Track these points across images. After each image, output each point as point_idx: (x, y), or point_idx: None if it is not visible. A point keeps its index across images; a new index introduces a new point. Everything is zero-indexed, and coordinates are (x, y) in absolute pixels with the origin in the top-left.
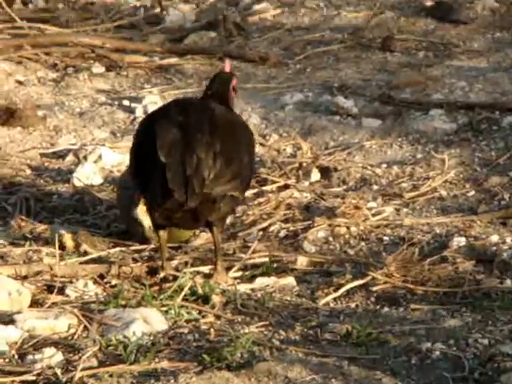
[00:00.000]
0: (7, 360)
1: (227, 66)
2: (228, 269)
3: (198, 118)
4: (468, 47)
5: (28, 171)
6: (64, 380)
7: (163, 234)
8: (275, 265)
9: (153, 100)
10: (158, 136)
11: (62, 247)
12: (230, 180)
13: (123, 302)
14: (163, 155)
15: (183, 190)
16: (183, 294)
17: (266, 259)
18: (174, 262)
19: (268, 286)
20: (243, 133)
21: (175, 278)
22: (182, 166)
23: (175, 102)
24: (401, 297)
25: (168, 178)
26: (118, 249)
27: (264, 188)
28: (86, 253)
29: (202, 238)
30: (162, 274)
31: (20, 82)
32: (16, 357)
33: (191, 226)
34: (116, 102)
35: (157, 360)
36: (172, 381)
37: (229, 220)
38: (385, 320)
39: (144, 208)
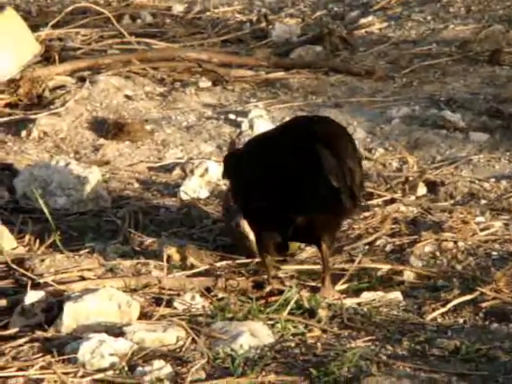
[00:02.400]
0: (117, 372)
1: None
2: (333, 282)
3: (334, 137)
4: None
5: (136, 185)
6: None
7: (271, 248)
8: (382, 279)
9: (258, 114)
10: (324, 165)
11: (170, 260)
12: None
13: (230, 315)
14: (335, 181)
15: (351, 200)
16: (289, 307)
17: (373, 273)
18: (280, 276)
19: (374, 300)
20: (352, 145)
21: (281, 292)
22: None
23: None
24: (510, 313)
25: (344, 200)
26: (224, 262)
27: (370, 202)
28: (192, 266)
29: (308, 252)
30: (268, 289)
31: (128, 97)
32: (126, 368)
33: (304, 240)
34: (222, 116)
35: (264, 373)
36: None
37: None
38: (494, 336)
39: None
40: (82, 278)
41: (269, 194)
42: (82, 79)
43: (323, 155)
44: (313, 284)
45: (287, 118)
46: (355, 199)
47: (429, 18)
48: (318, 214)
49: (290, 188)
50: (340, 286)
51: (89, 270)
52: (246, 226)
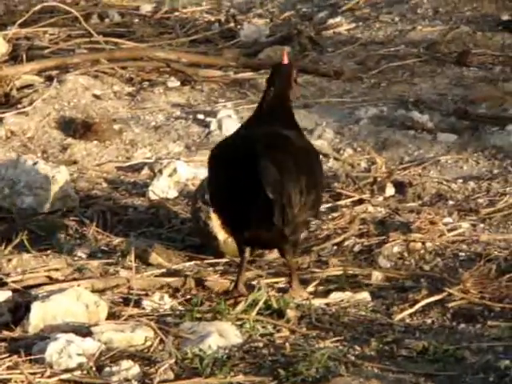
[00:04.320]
0: (85, 372)
1: (285, 57)
2: (303, 283)
3: (284, 154)
4: None
5: (104, 184)
6: None
7: (247, 252)
8: (350, 280)
9: (227, 114)
10: (263, 177)
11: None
12: (310, 208)
13: (198, 316)
14: (271, 192)
15: (281, 218)
16: (258, 308)
17: (341, 274)
18: (248, 276)
19: (343, 300)
20: (315, 158)
21: (250, 292)
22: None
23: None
24: (477, 313)
25: (275, 211)
26: (193, 262)
27: (338, 203)
28: (161, 265)
29: (276, 252)
30: (234, 293)
31: (97, 96)
32: (93, 369)
33: (273, 246)
34: (191, 116)
35: (232, 374)
36: None
37: (302, 235)
38: (462, 336)
39: (219, 222)
40: (50, 278)
41: (222, 203)
42: (50, 78)
43: (264, 167)
44: (281, 285)
45: None
46: (286, 218)
47: (397, 19)
48: (257, 228)
49: (236, 200)
50: (310, 289)
51: (56, 269)
52: (214, 225)
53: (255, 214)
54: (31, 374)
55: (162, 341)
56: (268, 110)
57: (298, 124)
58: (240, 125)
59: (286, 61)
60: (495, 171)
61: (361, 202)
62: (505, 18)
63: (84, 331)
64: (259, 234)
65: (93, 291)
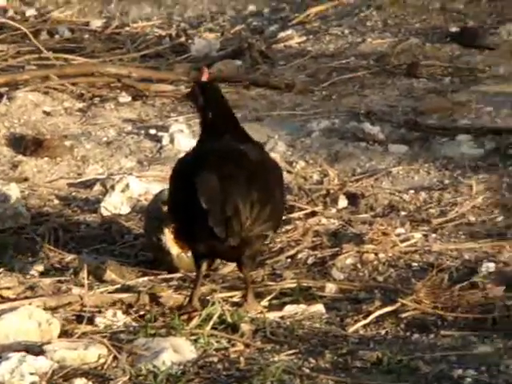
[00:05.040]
0: None
1: (204, 74)
2: (257, 296)
3: (234, 167)
4: (494, 72)
5: (56, 201)
6: None
7: (203, 266)
8: (304, 292)
9: (179, 128)
10: (198, 188)
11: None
12: (265, 221)
13: (152, 332)
14: (204, 202)
15: (223, 228)
16: (212, 322)
17: (295, 286)
18: (203, 291)
19: (297, 313)
20: (274, 172)
21: (204, 307)
22: (222, 211)
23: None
24: (431, 323)
25: (209, 220)
26: (146, 278)
27: (291, 215)
28: (114, 282)
29: (231, 266)
30: (188, 308)
31: (47, 113)
32: None
33: (230, 259)
34: (143, 131)
35: None
36: None
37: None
38: (415, 347)
39: (172, 237)
40: (1, 297)
41: (177, 217)
42: (0, 95)
43: (200, 179)
44: (236, 299)
45: None
46: (231, 232)
47: (346, 31)
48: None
49: (186, 212)
50: (264, 303)
51: (8, 288)
52: (167, 240)
53: (198, 226)
54: None
55: (115, 358)
56: (215, 127)
57: (252, 137)
58: (196, 141)
59: (204, 78)
60: (446, 181)
61: (314, 214)
62: (453, 29)
63: (36, 350)
64: (214, 246)
65: (45, 309)
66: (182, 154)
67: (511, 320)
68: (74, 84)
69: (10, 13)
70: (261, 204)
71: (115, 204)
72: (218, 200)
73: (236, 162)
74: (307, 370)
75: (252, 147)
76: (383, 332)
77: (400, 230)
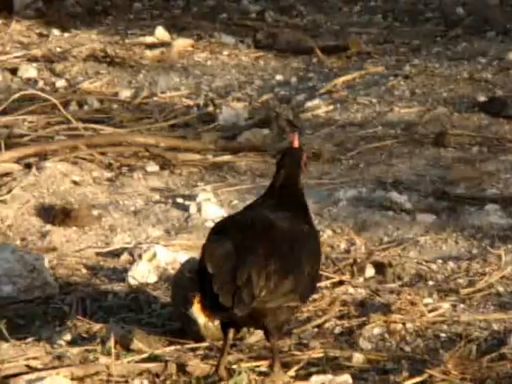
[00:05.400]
0: None
1: (295, 140)
2: (284, 366)
3: (254, 238)
4: None
5: (84, 271)
6: None
7: (230, 334)
8: (331, 362)
9: (206, 197)
10: (205, 252)
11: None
12: (285, 294)
13: None
14: (210, 267)
15: (230, 297)
16: None
17: (322, 356)
18: (229, 360)
19: (324, 383)
20: (306, 242)
21: (231, 376)
22: (232, 277)
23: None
24: None
25: (214, 286)
26: (173, 347)
27: (318, 284)
28: (141, 352)
29: (257, 335)
30: (214, 378)
31: (75, 183)
32: None
33: (254, 327)
34: (170, 200)
35: None
36: None
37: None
38: None
39: (199, 306)
40: (29, 367)
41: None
42: (29, 166)
43: (210, 245)
44: (262, 368)
45: (235, 201)
46: (239, 302)
47: (374, 100)
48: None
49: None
50: (291, 373)
51: (35, 358)
52: (194, 310)
53: (208, 294)
54: None
55: None
56: (277, 192)
57: (306, 206)
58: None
59: (296, 144)
60: (474, 251)
61: (341, 283)
62: (481, 99)
63: None
64: (229, 316)
65: (72, 379)
66: (209, 223)
67: None
68: (102, 154)
69: (40, 84)
70: (279, 275)
71: (142, 273)
72: (229, 267)
73: (259, 230)
74: None
75: (288, 217)
76: None
77: (428, 300)
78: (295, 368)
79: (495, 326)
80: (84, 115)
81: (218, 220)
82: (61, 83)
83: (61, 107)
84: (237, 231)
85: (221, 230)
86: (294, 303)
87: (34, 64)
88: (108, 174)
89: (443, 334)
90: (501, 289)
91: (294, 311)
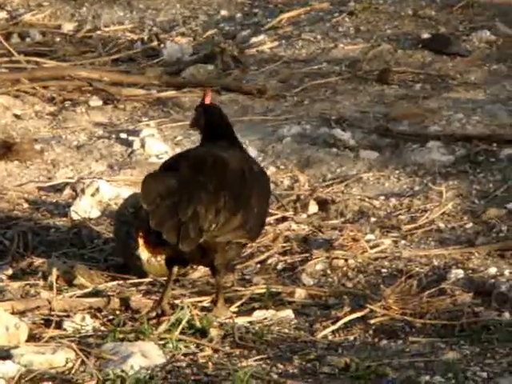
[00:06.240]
0: None
1: (208, 97)
2: (226, 301)
3: (205, 173)
4: (465, 79)
5: (25, 205)
6: None
7: (175, 270)
8: (273, 298)
9: (150, 133)
10: (144, 184)
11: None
12: (235, 229)
13: (121, 336)
14: (146, 203)
15: (174, 233)
16: (181, 327)
17: (264, 292)
18: (172, 294)
19: (266, 318)
20: (256, 182)
21: (173, 311)
22: (173, 213)
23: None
24: (399, 329)
25: (151, 223)
26: (115, 282)
27: None
28: (83, 287)
29: (200, 271)
30: (157, 310)
31: (17, 116)
32: None
33: (200, 263)
34: (113, 135)
35: None
36: None
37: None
38: (383, 353)
39: (142, 242)
40: None
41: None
42: None
43: (149, 181)
44: (205, 304)
45: (179, 137)
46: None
47: (319, 37)
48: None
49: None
50: (233, 308)
51: None
52: (137, 245)
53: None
54: None
55: (83, 362)
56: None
57: (245, 151)
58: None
59: (207, 101)
60: (416, 188)
61: (284, 219)
62: (425, 36)
63: (3, 354)
64: (180, 252)
65: (13, 313)
66: (152, 159)
67: (479, 327)
68: (44, 87)
69: None
70: (229, 211)
71: (85, 208)
72: (168, 203)
73: (209, 168)
74: (275, 376)
75: (238, 157)
76: (352, 338)
77: (370, 236)
78: (238, 303)
79: (436, 262)
80: (26, 48)
81: (168, 157)
82: (2, 15)
83: (2, 40)
84: (186, 167)
85: (169, 167)
86: (242, 240)
87: None
88: (51, 108)
89: (384, 270)
90: (442, 225)
91: (241, 249)
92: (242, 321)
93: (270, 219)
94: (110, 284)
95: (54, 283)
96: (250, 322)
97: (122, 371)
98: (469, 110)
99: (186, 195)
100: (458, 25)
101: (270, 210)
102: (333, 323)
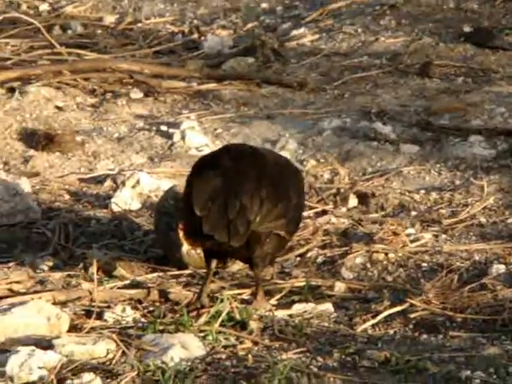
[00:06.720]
0: None
1: None
2: (266, 294)
3: (246, 164)
4: (507, 73)
5: (67, 196)
6: None
7: (213, 263)
8: (313, 291)
9: (190, 125)
10: (194, 192)
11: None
12: (275, 219)
13: (161, 328)
14: (198, 209)
15: (225, 232)
16: (221, 319)
17: (304, 285)
18: (211, 288)
19: (306, 312)
20: (293, 176)
21: (213, 304)
22: (222, 214)
23: (227, 148)
24: (439, 324)
25: (204, 228)
26: (155, 274)
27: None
28: (124, 278)
29: (239, 264)
30: (196, 305)
31: (59, 108)
32: (55, 382)
33: (240, 258)
34: (154, 128)
35: None
36: None
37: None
38: (423, 347)
39: (182, 234)
40: (11, 291)
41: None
42: (12, 90)
43: (197, 182)
44: (245, 296)
45: (219, 130)
46: (235, 234)
47: (360, 30)
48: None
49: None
50: (273, 301)
51: (18, 282)
52: (177, 237)
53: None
54: None
55: (124, 353)
56: None
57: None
58: None
59: None
60: (457, 182)
61: (324, 213)
62: (467, 29)
63: (45, 344)
64: (221, 246)
65: (54, 304)
66: (192, 151)
67: None
68: (86, 79)
69: (24, 7)
70: (271, 201)
71: (125, 200)
72: (217, 204)
73: (248, 160)
74: (315, 369)
75: (271, 151)
76: (391, 332)
77: (410, 230)
78: (277, 296)
79: (476, 257)
80: (68, 40)
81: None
82: (44, 7)
83: (44, 31)
84: (227, 160)
85: (208, 162)
86: (282, 232)
87: None
88: (92, 100)
89: (425, 264)
90: (483, 219)
91: (281, 243)
92: (281, 314)
93: (309, 212)
94: (150, 276)
95: (95, 274)
96: (290, 315)
97: (163, 363)
98: (511, 104)
99: (232, 191)
100: (500, 18)
101: (310, 204)
102: (373, 317)
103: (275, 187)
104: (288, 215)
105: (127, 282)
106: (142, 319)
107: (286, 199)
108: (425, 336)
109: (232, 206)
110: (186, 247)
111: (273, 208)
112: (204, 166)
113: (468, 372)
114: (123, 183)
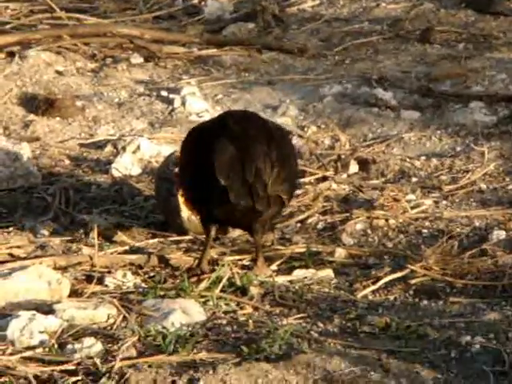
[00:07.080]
0: (47, 349)
1: None
2: (267, 260)
3: (254, 129)
4: (508, 39)
5: (67, 161)
6: (103, 370)
7: (213, 229)
8: (313, 257)
9: (191, 91)
10: (216, 162)
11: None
12: (282, 182)
13: (162, 293)
14: (223, 179)
15: (249, 199)
16: (221, 285)
17: (305, 251)
18: (212, 254)
19: (306, 277)
20: (289, 142)
21: (213, 270)
22: (243, 180)
23: (228, 114)
24: (440, 290)
25: (231, 197)
26: (156, 239)
27: (302, 180)
28: (124, 243)
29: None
30: (197, 271)
31: (59, 72)
32: (56, 346)
33: (240, 225)
34: (154, 93)
35: (195, 351)
36: (210, 372)
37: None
38: (424, 313)
39: (182, 199)
40: (11, 256)
41: (192, 184)
42: (12, 54)
43: (218, 151)
44: (245, 262)
45: (220, 96)
46: (257, 197)
47: None
48: (222, 208)
49: (201, 183)
50: (274, 267)
51: (18, 247)
52: (178, 203)
53: (218, 199)
54: None
55: (124, 318)
56: None
57: None
58: None
59: None
60: (458, 148)
61: (324, 179)
62: None
63: (46, 309)
64: (228, 213)
65: (55, 268)
66: (193, 117)
67: None
68: (86, 44)
69: None
70: (280, 164)
71: (126, 165)
72: (237, 171)
73: (255, 125)
74: (315, 334)
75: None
76: (392, 298)
77: (411, 197)
78: (278, 262)
79: (477, 223)
80: (68, 4)
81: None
82: None
83: None
84: (233, 125)
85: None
86: (285, 195)
87: None
88: (92, 65)
89: (425, 230)
90: (483, 186)
91: (281, 208)
92: (282, 279)
93: (310, 178)
94: (151, 241)
95: (96, 240)
96: (290, 281)
97: (163, 327)
98: None
99: (247, 155)
100: None
101: (311, 170)
102: (373, 283)
103: (281, 150)
104: (290, 178)
105: (127, 247)
106: (143, 284)
107: (288, 163)
108: (425, 302)
109: (249, 171)
110: (186, 213)
111: (280, 171)
112: (211, 135)
113: (468, 337)
114: (124, 148)
